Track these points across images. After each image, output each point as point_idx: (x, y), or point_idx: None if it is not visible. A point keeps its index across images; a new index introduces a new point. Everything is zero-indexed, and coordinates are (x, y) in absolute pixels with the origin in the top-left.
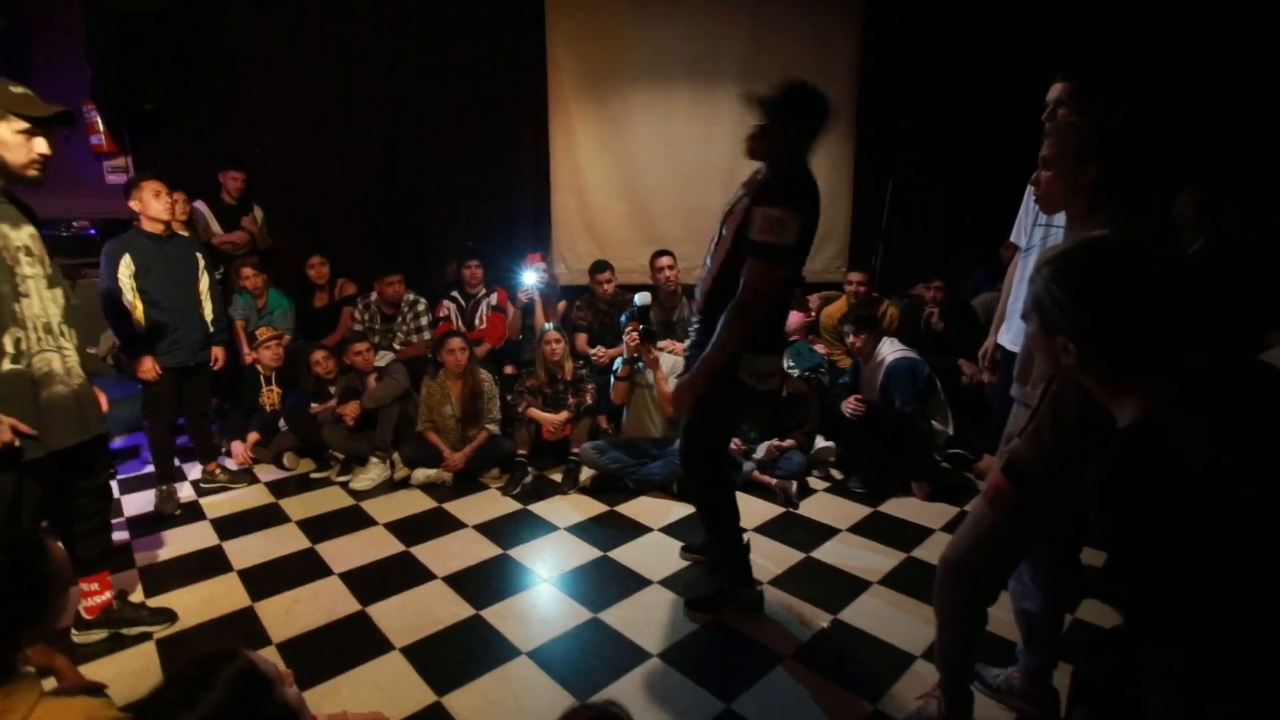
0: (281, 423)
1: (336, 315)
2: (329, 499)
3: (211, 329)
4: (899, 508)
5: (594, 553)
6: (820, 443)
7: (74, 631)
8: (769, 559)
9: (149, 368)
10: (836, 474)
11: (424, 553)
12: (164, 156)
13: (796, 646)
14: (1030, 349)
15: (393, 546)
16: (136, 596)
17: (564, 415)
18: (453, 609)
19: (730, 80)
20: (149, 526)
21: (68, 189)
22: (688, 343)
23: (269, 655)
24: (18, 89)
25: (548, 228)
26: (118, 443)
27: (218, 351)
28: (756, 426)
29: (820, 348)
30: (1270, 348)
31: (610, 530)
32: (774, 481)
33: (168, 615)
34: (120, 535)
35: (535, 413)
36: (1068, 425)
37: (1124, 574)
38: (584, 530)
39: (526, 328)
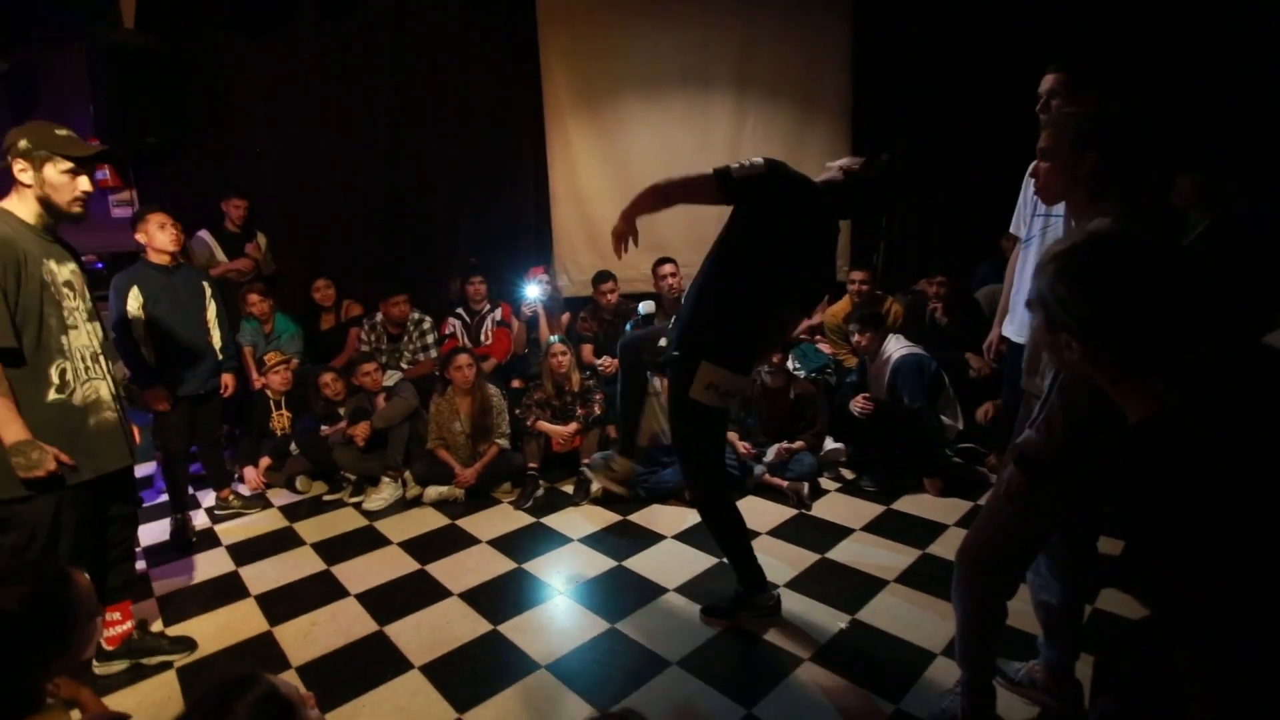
0: (293, 446)
1: (344, 337)
2: (342, 520)
3: (220, 356)
4: (912, 505)
5: (609, 563)
6: (830, 444)
7: (95, 663)
8: (784, 561)
9: (160, 398)
10: (848, 473)
11: (439, 570)
12: (168, 188)
13: (815, 649)
14: (1036, 340)
15: (408, 565)
16: (156, 626)
17: (573, 427)
18: (470, 625)
19: (725, 84)
20: (165, 555)
21: (74, 224)
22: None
23: (289, 679)
24: (62, 131)
25: (549, 240)
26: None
27: (227, 379)
28: (765, 430)
29: (826, 348)
30: None
31: (624, 540)
32: (785, 484)
33: (187, 644)
34: (138, 565)
35: (544, 425)
36: (1078, 413)
37: (1150, 572)
38: (597, 541)
39: (532, 341)
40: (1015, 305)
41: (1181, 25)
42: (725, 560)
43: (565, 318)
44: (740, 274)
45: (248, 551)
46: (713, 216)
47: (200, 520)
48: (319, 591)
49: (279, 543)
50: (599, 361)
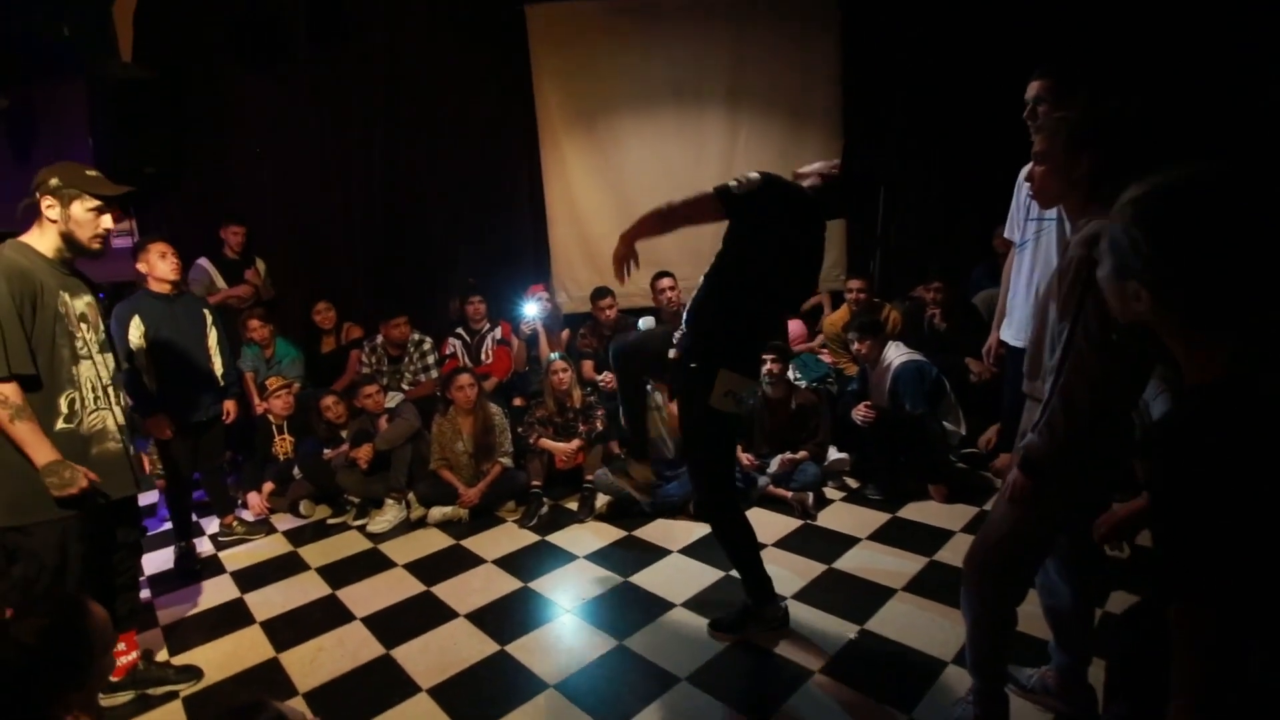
0: (295, 471)
1: (345, 360)
2: (347, 544)
3: (222, 383)
4: (918, 512)
5: (615, 579)
6: (834, 454)
7: (100, 694)
8: (791, 572)
9: (162, 426)
10: (852, 482)
11: (445, 591)
12: (168, 218)
13: (825, 660)
14: (1038, 342)
15: (413, 587)
16: (161, 655)
17: (576, 444)
18: (477, 646)
19: (717, 99)
20: (170, 584)
21: (92, 260)
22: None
23: (297, 705)
24: (91, 172)
25: (547, 258)
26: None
27: (230, 405)
28: (767, 441)
29: (826, 357)
30: None
31: (630, 555)
32: (790, 494)
33: (193, 673)
34: (143, 594)
35: (547, 443)
36: (1080, 416)
37: (1171, 526)
38: (603, 557)
39: (532, 359)
40: (1012, 309)
41: (1170, 23)
42: (731, 574)
43: (565, 334)
44: (748, 283)
45: (252, 577)
46: (709, 231)
47: (205, 547)
48: (325, 616)
49: (284, 568)
50: (600, 377)
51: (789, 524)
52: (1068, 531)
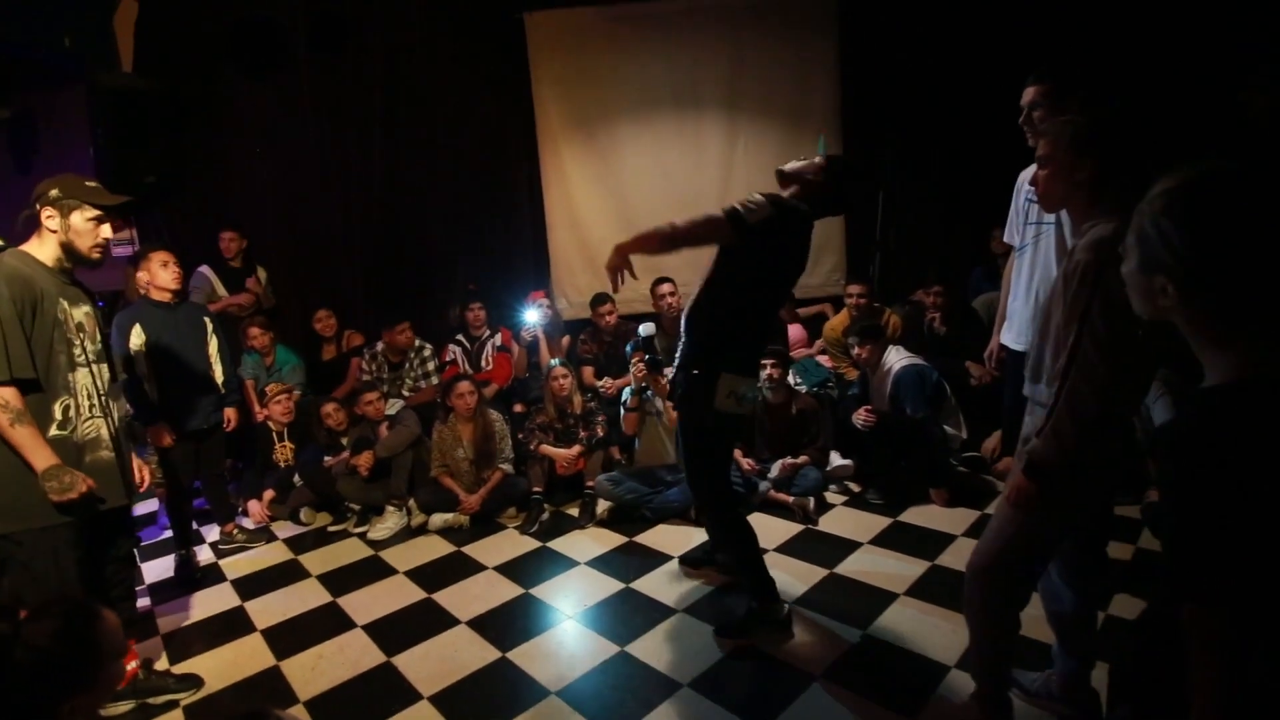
0: (296, 478)
1: (345, 367)
2: (348, 551)
3: (223, 391)
4: (919, 516)
5: (616, 585)
6: (837, 460)
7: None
8: (793, 577)
9: (164, 434)
10: (853, 486)
11: (446, 598)
12: (168, 226)
13: (828, 665)
14: (1041, 346)
15: (414, 594)
16: (161, 664)
17: (576, 449)
18: (479, 653)
19: (715, 105)
20: (170, 592)
21: (91, 269)
22: (678, 353)
23: (298, 714)
24: (91, 183)
25: (546, 264)
26: (135, 510)
27: (230, 413)
28: (768, 446)
29: (826, 361)
30: None
31: (631, 561)
32: (791, 499)
33: (194, 681)
34: (142, 602)
35: (547, 449)
36: (1087, 420)
37: (1184, 527)
38: (604, 563)
39: (533, 365)
40: (1012, 313)
41: (1165, 26)
42: (732, 578)
43: (565, 341)
44: (746, 291)
45: (253, 585)
46: None
47: (205, 555)
48: (326, 624)
49: (284, 576)
50: (600, 383)
51: (790, 529)
52: (1070, 535)
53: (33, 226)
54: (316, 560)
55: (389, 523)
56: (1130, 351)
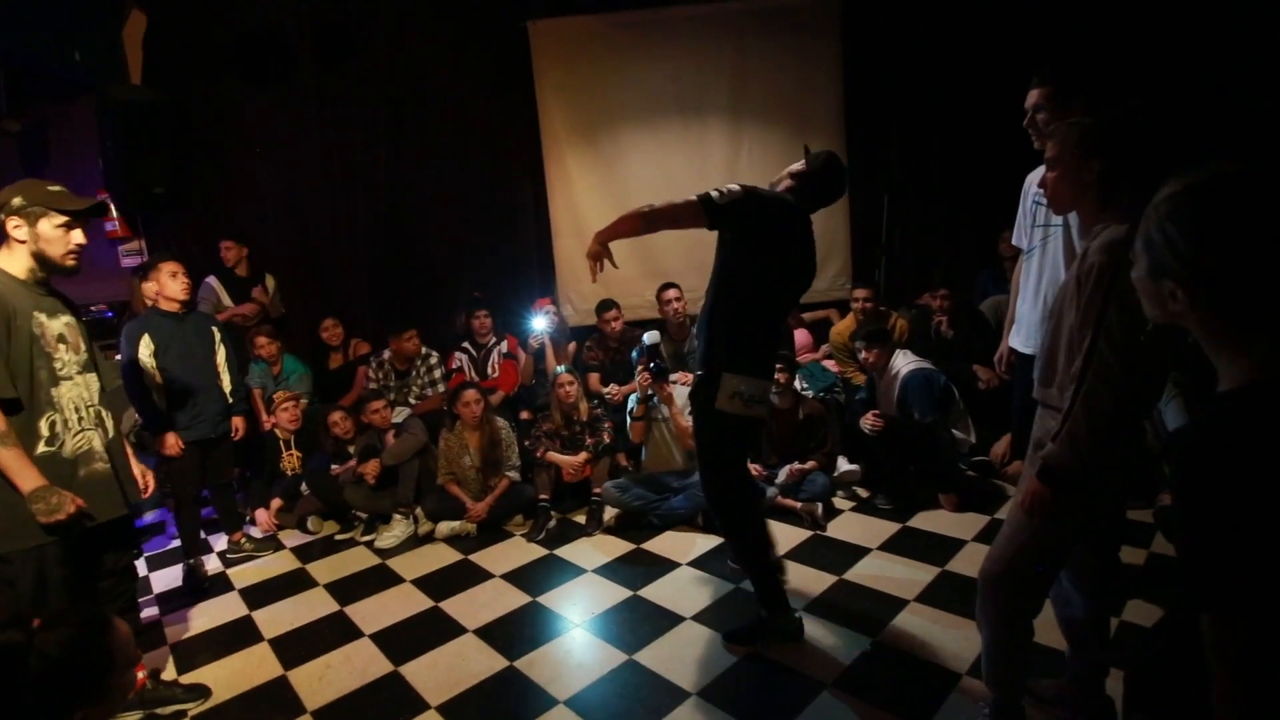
0: (304, 487)
1: (352, 376)
2: (355, 560)
3: (231, 400)
4: (928, 521)
5: (624, 593)
6: (845, 465)
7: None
8: (802, 584)
9: (172, 443)
10: (862, 492)
11: (453, 606)
12: (176, 236)
13: (838, 673)
14: (1052, 349)
15: (422, 603)
16: (169, 674)
17: (583, 456)
18: (486, 662)
19: (719, 111)
20: (178, 601)
21: (84, 275)
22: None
23: None
24: (54, 187)
25: (552, 271)
26: (144, 519)
27: (238, 422)
28: (775, 451)
29: (833, 366)
30: None
31: (638, 568)
32: (799, 505)
33: (201, 691)
34: (150, 612)
35: (554, 456)
36: (1103, 424)
37: (1200, 535)
38: (612, 571)
39: (539, 372)
40: (1021, 316)
41: (1167, 26)
42: (742, 586)
43: (572, 347)
44: (745, 288)
45: (261, 594)
46: (712, 242)
47: (213, 564)
48: (333, 633)
49: (292, 584)
50: (606, 390)
51: (798, 535)
52: (1083, 540)
53: (3, 238)
54: (324, 569)
55: (396, 531)
56: (1145, 354)
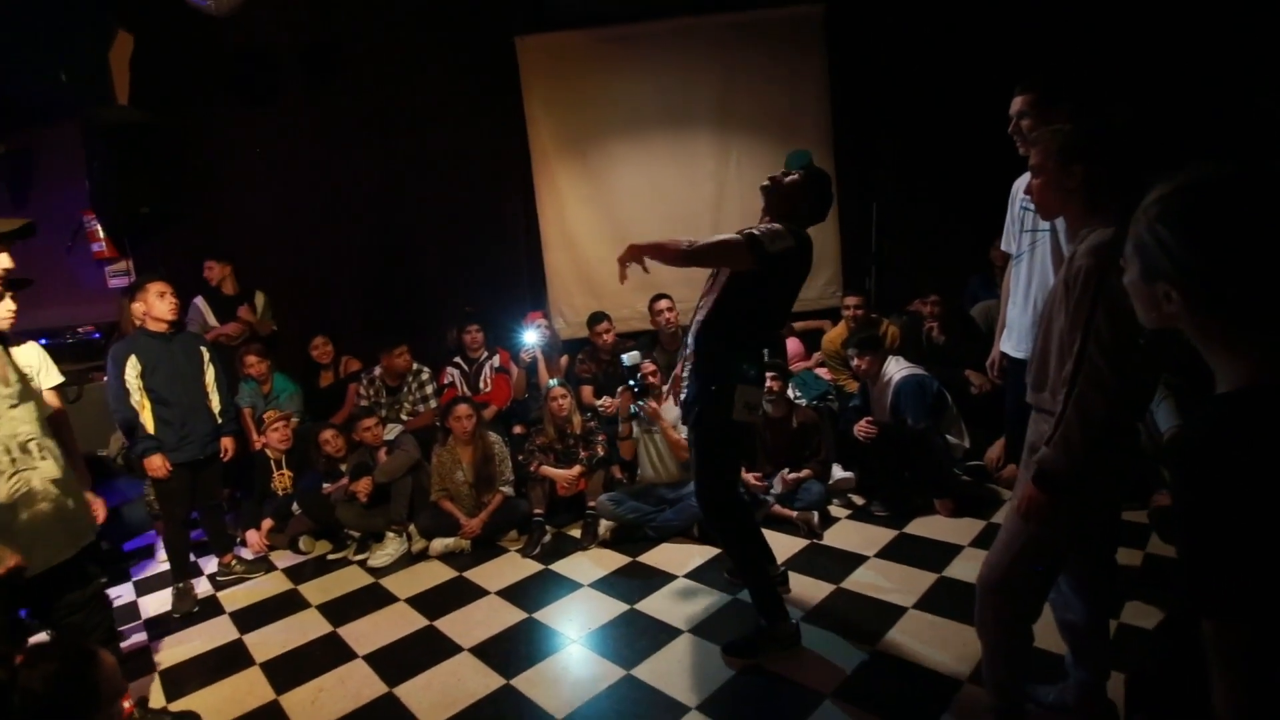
0: (295, 506)
1: (343, 393)
2: (348, 579)
3: (220, 420)
4: (924, 527)
5: (620, 606)
6: (839, 473)
7: None
8: (800, 593)
9: (158, 464)
10: (857, 499)
11: (448, 625)
12: (164, 256)
13: (838, 683)
14: (1043, 353)
15: (416, 622)
16: (157, 702)
17: (577, 470)
18: (482, 680)
19: (707, 122)
20: (167, 626)
21: (71, 296)
22: (687, 370)
23: None
24: None
25: (543, 285)
26: (131, 543)
27: (227, 443)
28: (770, 460)
29: (826, 374)
30: None
31: (635, 582)
32: (795, 514)
33: (191, 718)
34: (139, 638)
35: (548, 470)
36: (1096, 427)
37: (1200, 539)
38: (608, 585)
39: (532, 386)
40: (1011, 321)
41: (1152, 33)
42: (739, 597)
43: (564, 361)
44: (759, 310)
45: (252, 617)
46: None
47: (203, 588)
48: (326, 655)
49: (284, 606)
50: (599, 402)
51: (795, 544)
52: (1079, 543)
53: None
54: (316, 589)
55: (389, 549)
56: (1136, 356)
